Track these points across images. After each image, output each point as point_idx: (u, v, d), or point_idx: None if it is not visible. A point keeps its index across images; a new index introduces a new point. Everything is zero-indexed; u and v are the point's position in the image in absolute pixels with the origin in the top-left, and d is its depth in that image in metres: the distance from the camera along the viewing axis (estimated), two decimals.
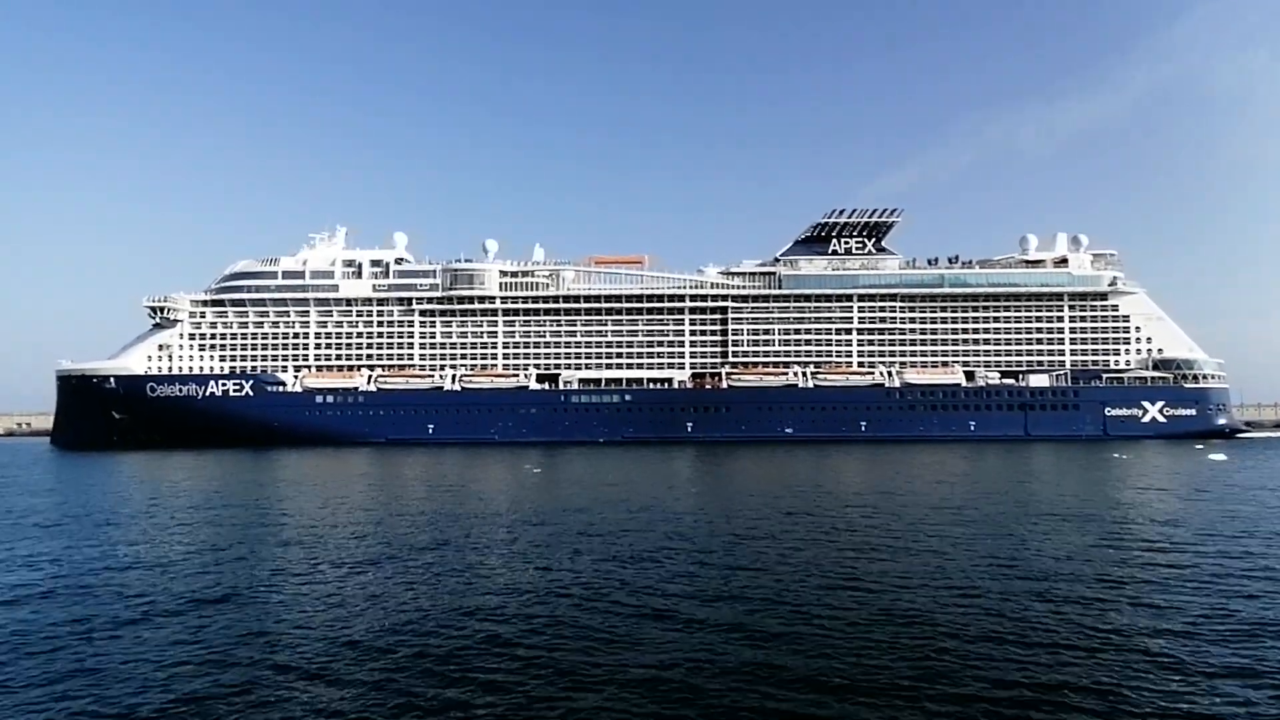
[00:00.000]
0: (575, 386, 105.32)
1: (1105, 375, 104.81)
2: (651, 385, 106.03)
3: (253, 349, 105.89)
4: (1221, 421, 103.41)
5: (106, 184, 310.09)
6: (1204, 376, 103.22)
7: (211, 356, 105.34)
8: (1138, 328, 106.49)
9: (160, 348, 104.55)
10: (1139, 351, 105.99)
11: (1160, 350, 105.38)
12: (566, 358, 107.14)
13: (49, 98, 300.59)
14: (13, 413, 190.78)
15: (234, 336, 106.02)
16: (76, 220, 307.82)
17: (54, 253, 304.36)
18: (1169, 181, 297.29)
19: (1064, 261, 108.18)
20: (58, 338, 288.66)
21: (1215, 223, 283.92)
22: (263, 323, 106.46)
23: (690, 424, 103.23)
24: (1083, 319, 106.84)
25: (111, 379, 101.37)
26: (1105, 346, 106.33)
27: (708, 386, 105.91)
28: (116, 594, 18.87)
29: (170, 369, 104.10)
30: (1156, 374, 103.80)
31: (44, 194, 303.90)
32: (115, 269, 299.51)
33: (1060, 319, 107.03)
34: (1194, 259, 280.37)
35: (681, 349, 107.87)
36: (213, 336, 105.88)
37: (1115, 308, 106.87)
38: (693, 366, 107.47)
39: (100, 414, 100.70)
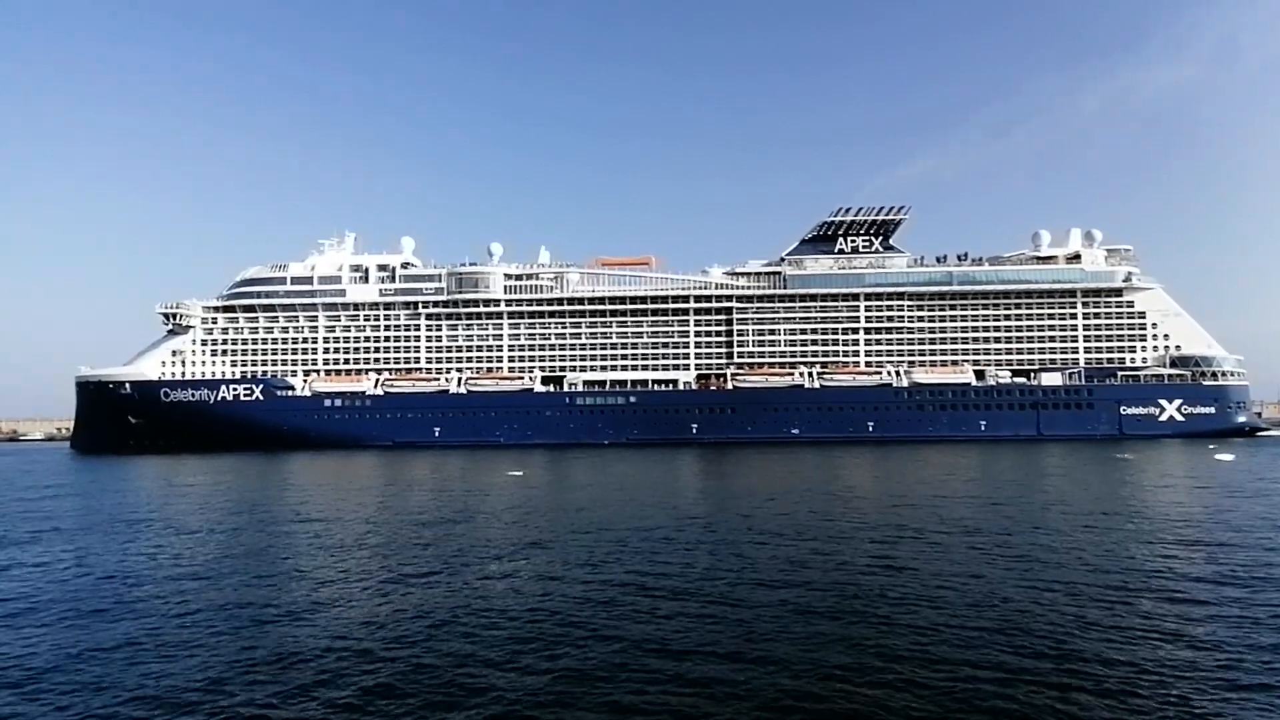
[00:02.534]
0: (580, 388, 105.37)
1: (1120, 373, 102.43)
2: (656, 387, 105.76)
3: (263, 354, 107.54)
4: (1241, 420, 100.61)
5: (124, 190, 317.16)
6: (1223, 374, 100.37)
7: (223, 362, 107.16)
8: (1154, 324, 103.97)
9: (174, 353, 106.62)
10: (1155, 348, 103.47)
11: (1178, 347, 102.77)
12: (571, 360, 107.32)
13: (54, 103, 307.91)
14: (52, 418, 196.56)
15: (245, 342, 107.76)
16: (99, 227, 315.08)
17: (80, 260, 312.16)
18: (1186, 172, 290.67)
19: (1077, 257, 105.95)
20: (90, 344, 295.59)
21: (1237, 214, 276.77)
22: (272, 328, 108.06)
23: (695, 425, 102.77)
24: (1097, 316, 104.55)
25: (127, 384, 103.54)
26: (1120, 344, 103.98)
27: (713, 388, 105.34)
28: (153, 601, 18.91)
29: (183, 374, 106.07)
30: (1174, 371, 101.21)
31: (62, 199, 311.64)
32: (135, 275, 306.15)
33: (1073, 316, 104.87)
34: (1214, 252, 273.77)
35: (686, 350, 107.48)
36: (224, 342, 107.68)
37: (1130, 304, 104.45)
38: (698, 368, 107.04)
39: (117, 419, 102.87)
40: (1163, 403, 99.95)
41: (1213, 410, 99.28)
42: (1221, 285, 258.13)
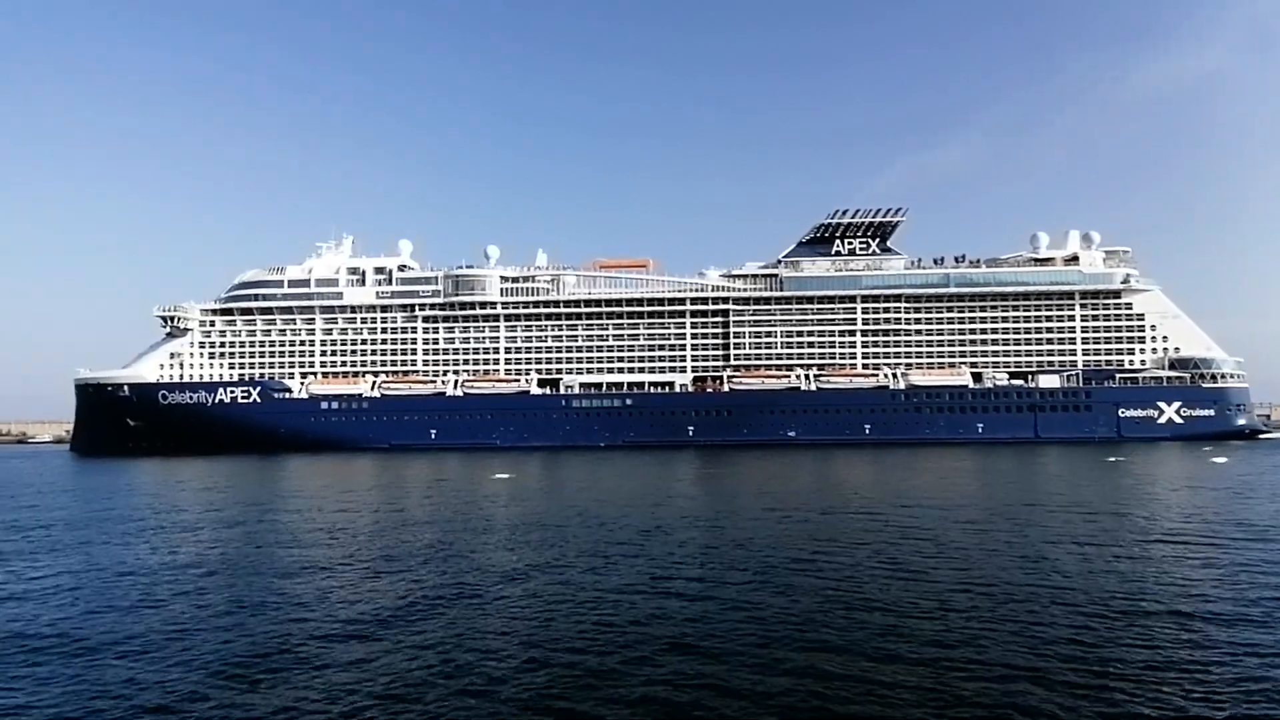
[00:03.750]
0: (576, 391, 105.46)
1: (1119, 375, 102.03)
2: (653, 389, 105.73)
3: (260, 356, 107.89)
4: (1241, 422, 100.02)
5: (124, 190, 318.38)
6: (1223, 376, 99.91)
7: (221, 364, 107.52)
8: (1153, 326, 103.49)
9: (172, 356, 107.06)
10: (1154, 350, 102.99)
11: (1177, 349, 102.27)
12: (568, 362, 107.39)
13: (54, 103, 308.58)
14: (61, 420, 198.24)
15: (242, 344, 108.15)
16: (104, 228, 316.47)
17: (85, 261, 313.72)
18: (1190, 172, 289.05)
19: (1075, 259, 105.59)
20: (98, 346, 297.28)
21: (1241, 212, 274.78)
22: (270, 331, 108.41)
23: (692, 428, 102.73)
24: (1095, 318, 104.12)
25: (125, 387, 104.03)
26: (1119, 346, 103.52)
27: (709, 390, 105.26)
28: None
29: (181, 377, 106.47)
30: (1173, 373, 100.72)
31: (67, 200, 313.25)
32: (141, 276, 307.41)
33: (1071, 318, 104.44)
34: (1213, 253, 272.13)
35: (683, 352, 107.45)
36: (222, 345, 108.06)
37: (1129, 306, 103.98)
38: (694, 370, 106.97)
39: (116, 421, 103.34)
40: (1162, 405, 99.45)
41: (1212, 413, 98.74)
42: (1222, 286, 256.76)
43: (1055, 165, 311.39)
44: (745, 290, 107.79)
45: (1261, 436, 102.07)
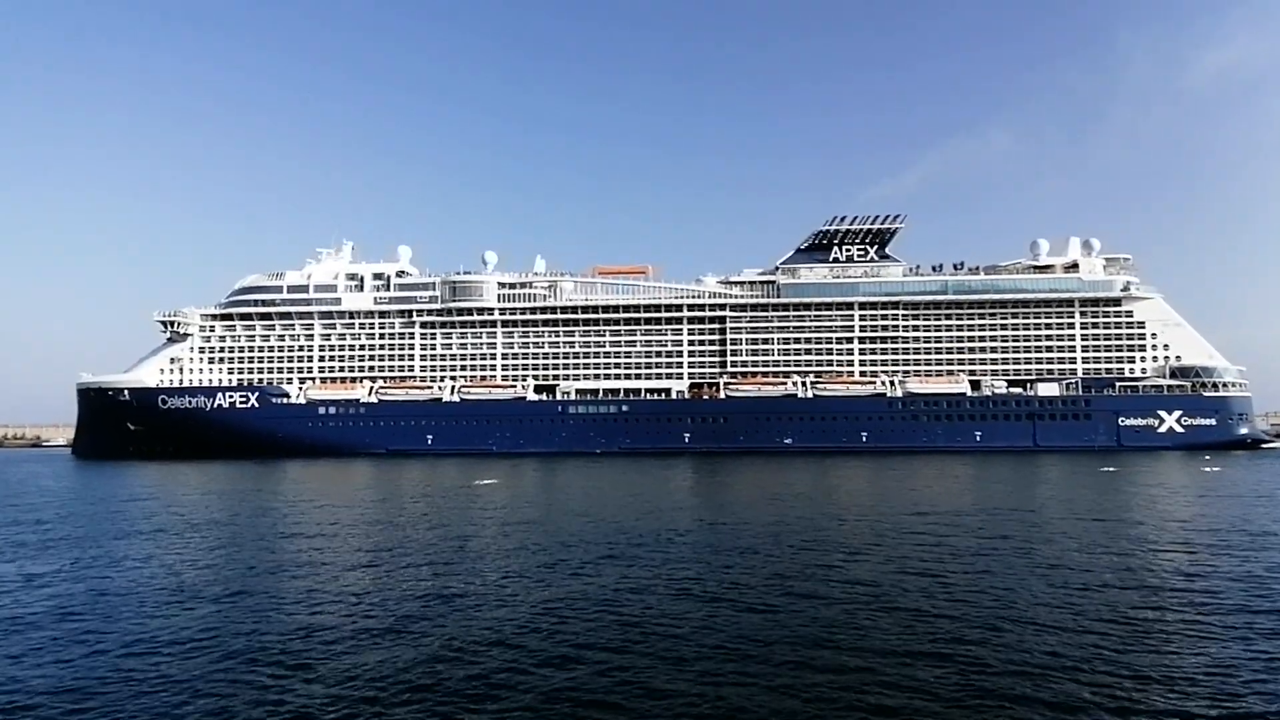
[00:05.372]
0: (573, 397, 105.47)
1: (1119, 384, 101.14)
2: (649, 396, 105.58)
3: (259, 362, 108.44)
4: (1243, 431, 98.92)
5: (124, 192, 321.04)
6: (1225, 385, 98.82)
7: (220, 369, 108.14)
8: (1154, 334, 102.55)
9: (172, 361, 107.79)
10: (1155, 359, 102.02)
11: (1178, 357, 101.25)
12: (564, 368, 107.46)
13: (55, 105, 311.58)
14: (73, 424, 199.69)
15: (241, 350, 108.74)
16: (117, 231, 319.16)
17: (92, 264, 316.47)
18: (1190, 182, 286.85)
19: (1074, 266, 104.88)
20: (109, 350, 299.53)
21: (1240, 222, 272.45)
22: (269, 336, 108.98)
23: (688, 435, 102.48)
24: (1095, 325, 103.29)
25: (126, 391, 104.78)
26: (1119, 354, 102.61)
27: (705, 397, 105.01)
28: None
29: (181, 381, 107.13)
30: (1174, 382, 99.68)
31: (78, 202, 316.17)
32: (151, 280, 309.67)
33: (1071, 326, 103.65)
34: (1216, 261, 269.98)
35: (679, 359, 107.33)
36: (221, 350, 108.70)
37: (1130, 313, 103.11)
38: (691, 377, 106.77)
39: (118, 426, 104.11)
40: (1162, 414, 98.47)
41: (1214, 422, 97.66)
42: (1226, 293, 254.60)
43: (1071, 171, 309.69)
44: (743, 297, 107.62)
45: (1265, 446, 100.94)
